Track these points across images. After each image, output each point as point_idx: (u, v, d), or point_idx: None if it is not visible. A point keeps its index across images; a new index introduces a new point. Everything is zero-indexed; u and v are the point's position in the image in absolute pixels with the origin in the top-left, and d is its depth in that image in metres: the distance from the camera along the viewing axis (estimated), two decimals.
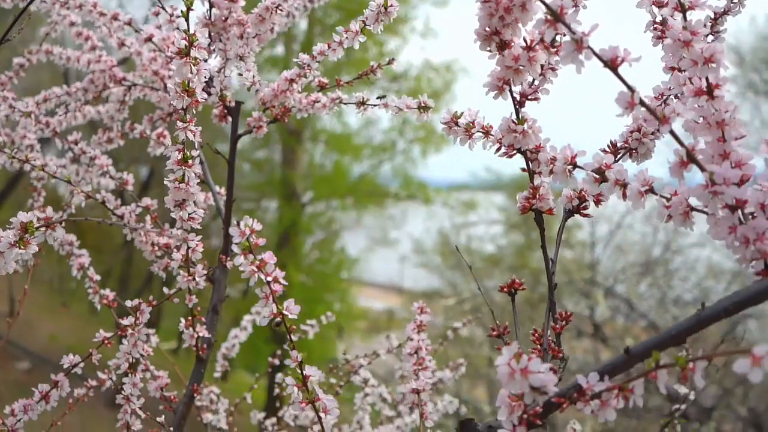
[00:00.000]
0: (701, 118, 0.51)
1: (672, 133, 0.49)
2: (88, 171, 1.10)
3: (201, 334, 0.93)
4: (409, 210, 11.48)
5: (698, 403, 5.58)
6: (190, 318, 0.92)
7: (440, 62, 9.79)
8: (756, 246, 0.48)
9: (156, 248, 0.98)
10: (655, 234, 7.10)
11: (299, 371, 0.61)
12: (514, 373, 0.47)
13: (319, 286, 10.00)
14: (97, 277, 1.06)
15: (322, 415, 0.61)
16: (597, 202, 0.64)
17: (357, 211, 11.58)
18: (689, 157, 0.49)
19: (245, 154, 11.35)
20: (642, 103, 0.48)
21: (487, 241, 10.34)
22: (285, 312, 0.60)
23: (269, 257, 0.59)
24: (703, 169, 0.48)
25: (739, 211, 0.50)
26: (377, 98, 0.91)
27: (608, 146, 0.66)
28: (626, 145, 0.65)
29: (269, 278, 0.59)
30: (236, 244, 0.58)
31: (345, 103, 0.91)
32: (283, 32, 1.03)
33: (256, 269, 0.58)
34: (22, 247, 0.65)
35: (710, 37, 0.69)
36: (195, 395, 0.95)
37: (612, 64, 0.48)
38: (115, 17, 1.05)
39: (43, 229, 0.63)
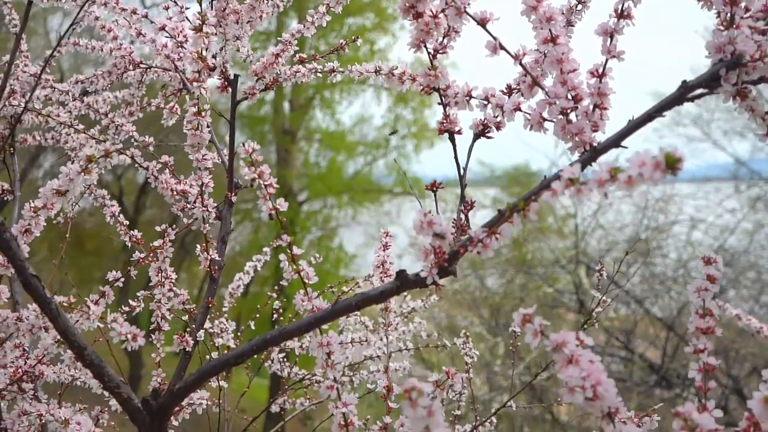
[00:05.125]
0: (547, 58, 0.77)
1: (522, 66, 0.75)
2: (115, 138, 1.36)
3: (213, 257, 1.19)
4: (405, 205, 11.71)
5: (680, 372, 5.87)
6: (204, 244, 1.18)
7: None
8: (577, 138, 0.73)
9: (174, 193, 1.23)
10: (642, 217, 7.41)
11: (290, 251, 0.87)
12: (423, 224, 0.73)
13: (318, 284, 10.23)
14: (126, 222, 1.31)
15: (307, 280, 0.87)
16: (497, 128, 0.90)
17: (353, 207, 11.83)
18: (533, 82, 0.75)
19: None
20: (501, 47, 0.74)
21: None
22: (278, 206, 0.85)
23: (266, 168, 0.85)
24: (543, 89, 0.74)
25: (573, 116, 0.76)
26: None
27: (505, 87, 0.91)
28: (517, 87, 0.91)
29: (266, 183, 0.84)
30: (242, 158, 0.83)
31: (320, 72, 1.17)
32: (275, 32, 1.28)
33: (257, 176, 0.84)
34: (86, 173, 0.90)
35: (581, 7, 0.95)
36: (210, 306, 1.21)
37: (482, 22, 0.74)
38: (134, 12, 1.30)
39: (103, 158, 0.89)
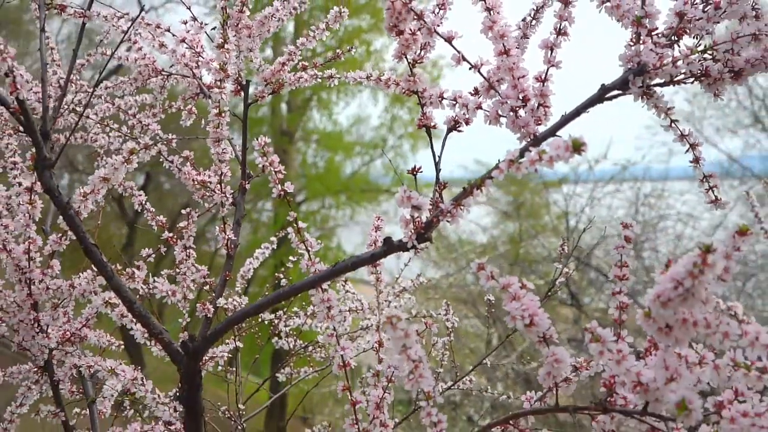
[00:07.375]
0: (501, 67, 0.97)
1: (480, 73, 0.94)
2: (141, 136, 1.56)
3: (230, 237, 1.38)
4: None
5: None
6: (222, 225, 1.37)
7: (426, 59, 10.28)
8: (524, 130, 0.93)
9: (195, 183, 1.43)
10: (635, 212, 7.63)
11: (296, 225, 1.07)
12: (403, 198, 0.92)
13: None
14: (153, 209, 1.51)
15: (310, 248, 1.07)
16: (467, 123, 1.09)
17: (351, 207, 12.02)
18: (489, 86, 0.95)
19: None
20: (463, 58, 0.93)
21: (480, 232, 10.73)
22: (286, 188, 1.05)
23: (276, 157, 1.04)
24: (496, 91, 0.94)
25: (521, 112, 0.95)
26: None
27: (473, 89, 1.11)
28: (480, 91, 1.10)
29: (276, 169, 1.04)
30: (256, 150, 1.03)
31: (320, 78, 1.37)
32: (272, 35, 1.49)
33: (268, 164, 1.04)
34: (128, 163, 1.10)
35: (534, 22, 1.15)
36: (227, 279, 1.40)
37: (449, 39, 0.94)
38: (158, 26, 1.50)
39: (143, 150, 1.08)
